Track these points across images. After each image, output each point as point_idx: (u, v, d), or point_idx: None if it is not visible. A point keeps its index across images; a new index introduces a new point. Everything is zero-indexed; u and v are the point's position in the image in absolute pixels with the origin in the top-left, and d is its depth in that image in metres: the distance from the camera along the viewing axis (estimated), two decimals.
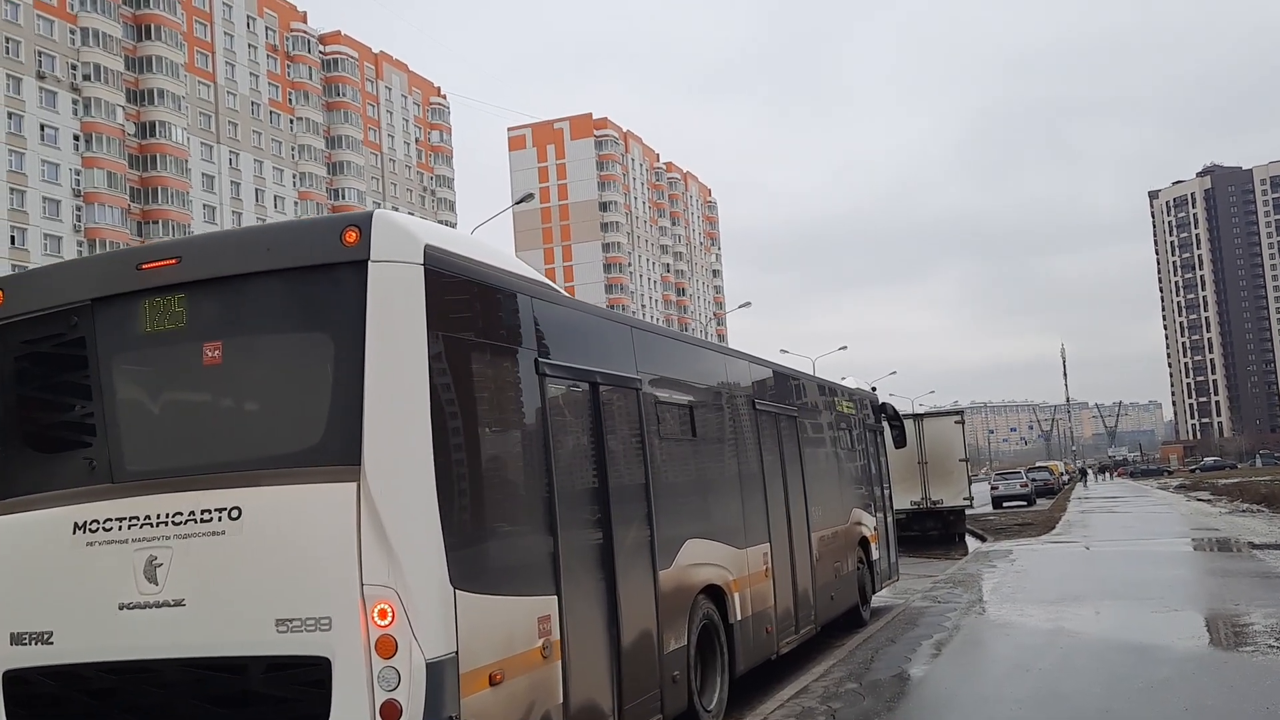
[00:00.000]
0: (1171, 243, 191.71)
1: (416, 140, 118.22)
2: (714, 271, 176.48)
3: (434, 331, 5.05)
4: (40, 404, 5.72)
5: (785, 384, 11.43)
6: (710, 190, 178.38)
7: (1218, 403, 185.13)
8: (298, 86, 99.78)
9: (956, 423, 28.68)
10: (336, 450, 4.88)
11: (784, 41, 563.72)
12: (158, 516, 5.08)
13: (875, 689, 8.78)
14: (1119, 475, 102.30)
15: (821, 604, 11.13)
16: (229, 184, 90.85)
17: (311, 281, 5.16)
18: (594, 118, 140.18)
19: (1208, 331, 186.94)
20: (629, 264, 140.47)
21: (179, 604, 4.97)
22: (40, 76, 74.99)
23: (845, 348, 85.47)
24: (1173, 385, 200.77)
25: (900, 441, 15.73)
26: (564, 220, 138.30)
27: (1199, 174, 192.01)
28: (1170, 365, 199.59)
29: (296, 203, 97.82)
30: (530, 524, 5.77)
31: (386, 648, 4.68)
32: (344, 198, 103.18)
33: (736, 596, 8.45)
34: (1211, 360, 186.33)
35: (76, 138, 76.95)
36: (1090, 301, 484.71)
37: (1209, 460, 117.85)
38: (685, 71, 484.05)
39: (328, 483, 4.87)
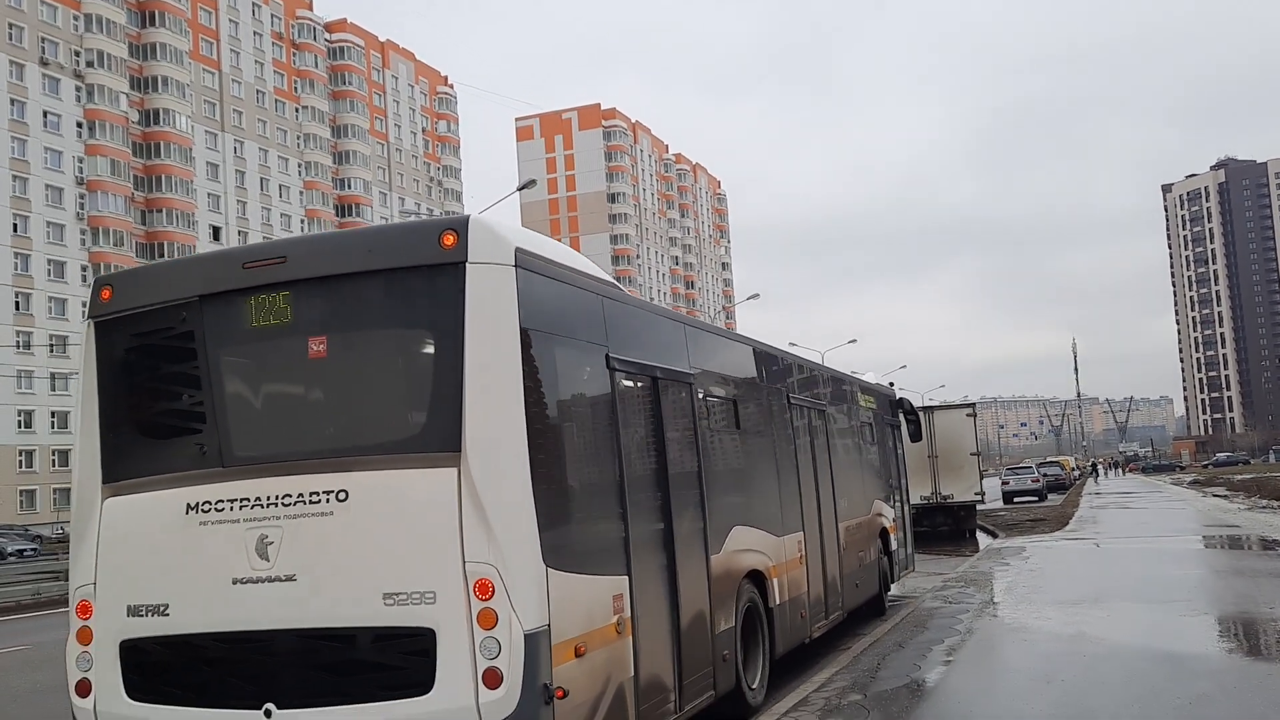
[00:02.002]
0: (1185, 236, 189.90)
1: (423, 130, 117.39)
2: (723, 264, 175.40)
3: (524, 328, 5.40)
4: (151, 392, 6.09)
5: (816, 379, 11.98)
6: (720, 182, 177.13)
7: (1230, 398, 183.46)
8: (303, 75, 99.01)
9: (968, 415, 27.82)
10: (438, 438, 5.28)
11: (795, 38, 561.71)
12: (268, 498, 5.45)
13: (881, 702, 7.97)
14: (1130, 471, 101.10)
15: (848, 591, 11.62)
16: (234, 173, 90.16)
17: (412, 281, 5.54)
18: (602, 108, 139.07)
19: (1220, 326, 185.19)
20: (637, 256, 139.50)
21: (290, 579, 5.34)
22: (43, 63, 74.36)
23: (855, 341, 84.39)
24: (1185, 380, 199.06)
25: (916, 436, 16.24)
26: (572, 212, 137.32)
27: (1213, 167, 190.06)
28: (1182, 360, 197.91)
29: (302, 192, 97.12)
30: (605, 508, 6.17)
31: (488, 620, 5.05)
32: (350, 188, 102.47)
33: (775, 582, 8.86)
34: (1224, 355, 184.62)
35: (80, 125, 76.32)
36: (1101, 297, 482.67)
37: (1221, 456, 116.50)
38: (695, 68, 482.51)
39: (430, 468, 5.25)
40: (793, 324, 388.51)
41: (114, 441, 5.98)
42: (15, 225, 70.90)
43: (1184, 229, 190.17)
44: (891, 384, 15.97)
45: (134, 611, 5.67)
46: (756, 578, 8.42)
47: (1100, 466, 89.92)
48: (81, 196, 75.88)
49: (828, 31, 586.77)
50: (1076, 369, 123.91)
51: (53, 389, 72.02)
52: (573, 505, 5.82)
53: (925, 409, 27.72)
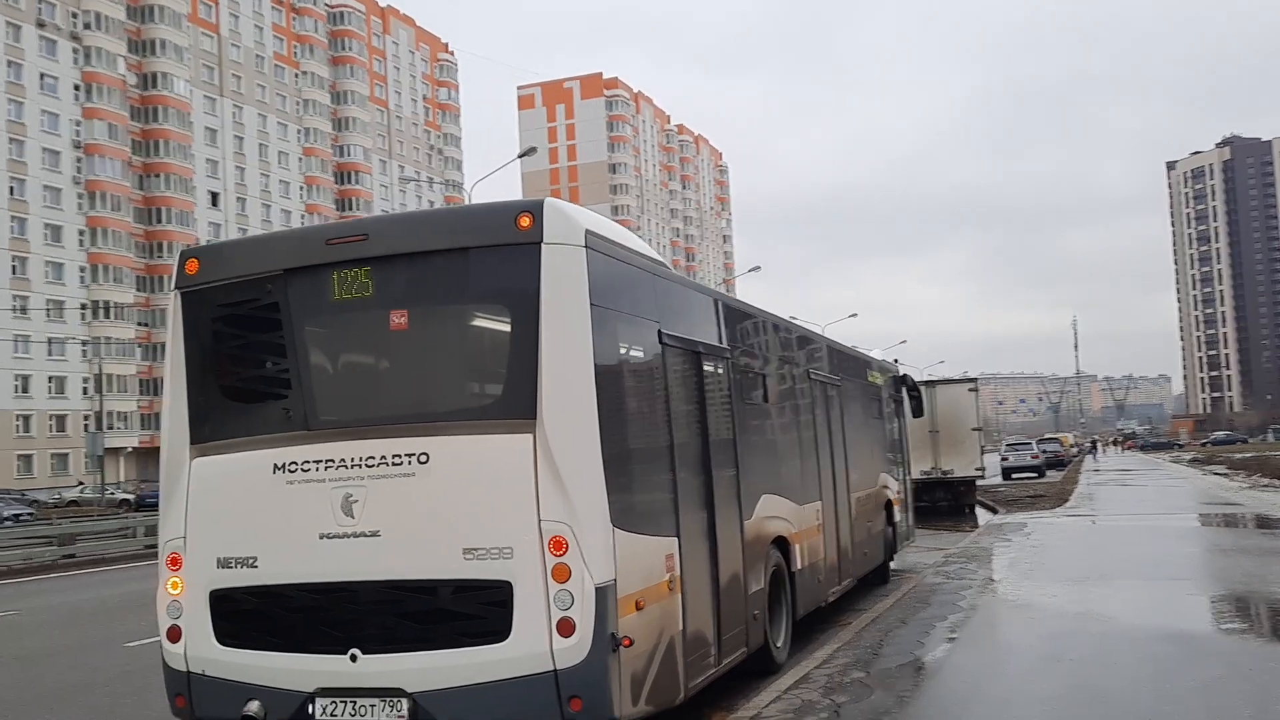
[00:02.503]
0: (1188, 214, 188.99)
1: (424, 97, 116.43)
2: (724, 236, 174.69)
3: (593, 304, 5.75)
4: (237, 360, 6.45)
5: (832, 355, 12.39)
6: (721, 154, 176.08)
7: (1229, 377, 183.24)
8: (303, 40, 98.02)
9: (970, 390, 27.56)
10: (514, 405, 5.65)
11: (795, 14, 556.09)
12: (352, 460, 5.82)
13: (885, 679, 7.74)
14: (1128, 448, 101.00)
15: (858, 559, 12.25)
16: (232, 138, 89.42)
17: (489, 259, 5.86)
18: (604, 78, 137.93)
19: (1221, 305, 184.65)
20: (638, 227, 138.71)
21: (374, 535, 5.74)
22: (40, 24, 73.51)
23: (855, 315, 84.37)
24: (1184, 358, 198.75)
25: (918, 411, 16.87)
26: (573, 181, 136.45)
27: (1218, 145, 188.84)
28: (1182, 338, 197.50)
29: (301, 159, 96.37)
30: (659, 474, 6.57)
31: (562, 574, 5.45)
32: (349, 155, 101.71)
33: (797, 548, 9.33)
34: (1224, 334, 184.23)
35: (77, 88, 75.56)
36: (1100, 275, 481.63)
37: (1220, 434, 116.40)
38: (697, 45, 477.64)
39: (507, 434, 5.63)
40: (793, 298, 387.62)
41: (201, 405, 6.32)
42: (11, 188, 70.29)
43: (1187, 206, 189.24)
44: (896, 360, 16.30)
45: (224, 563, 6.06)
46: (781, 543, 8.89)
47: (1099, 444, 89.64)
48: (79, 160, 75.20)
49: (829, 8, 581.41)
50: (1077, 346, 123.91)
51: (49, 354, 71.69)
52: (634, 470, 6.20)
53: (927, 383, 27.47)
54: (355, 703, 5.72)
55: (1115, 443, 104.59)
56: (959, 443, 26.44)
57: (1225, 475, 38.44)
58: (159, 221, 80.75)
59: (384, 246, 6.05)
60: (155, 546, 6.64)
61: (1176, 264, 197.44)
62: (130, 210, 77.99)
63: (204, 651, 6.09)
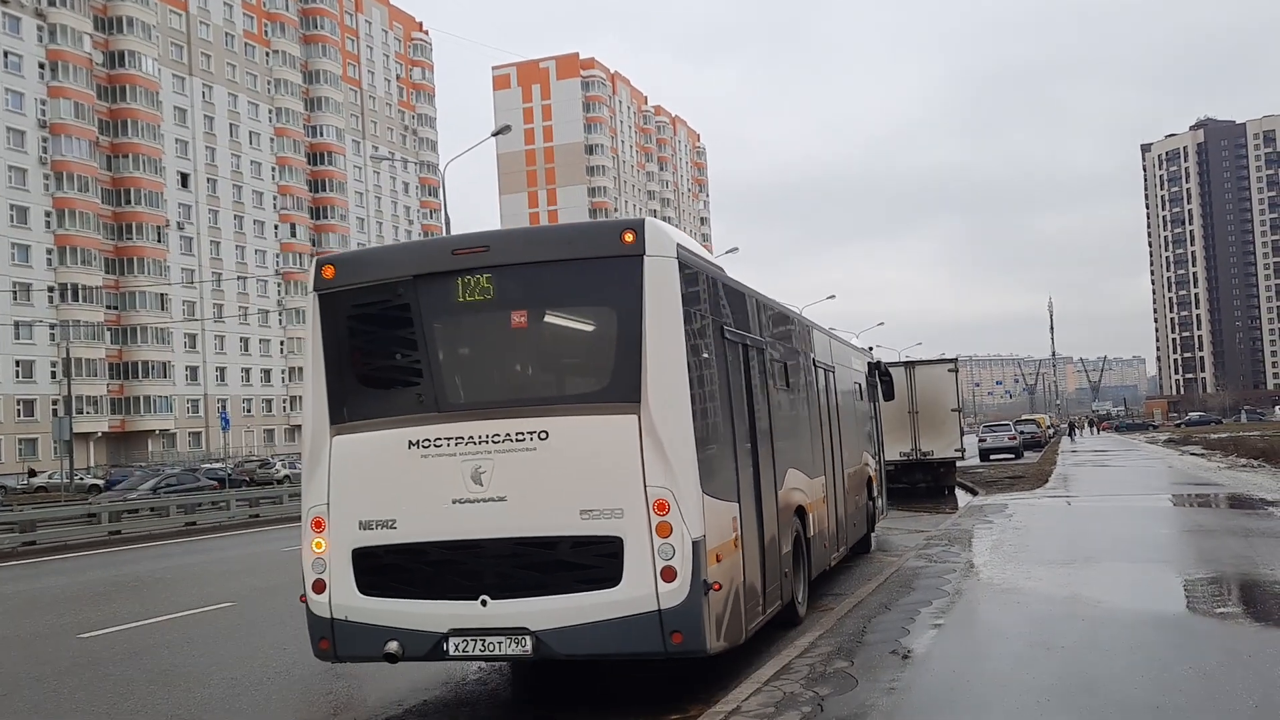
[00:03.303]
0: (1162, 197, 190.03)
1: (398, 77, 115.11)
2: (701, 219, 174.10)
3: (683, 306, 6.86)
4: (371, 351, 7.51)
5: (828, 343, 13.55)
6: (699, 135, 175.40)
7: (1202, 358, 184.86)
8: (274, 18, 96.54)
9: (950, 371, 27.29)
10: (621, 391, 6.70)
11: (773, 1, 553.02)
12: (479, 437, 6.82)
13: (869, 670, 7.38)
14: (1103, 429, 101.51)
15: (851, 529, 13.47)
16: (202, 118, 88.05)
17: (598, 268, 6.97)
18: (581, 58, 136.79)
19: (1195, 287, 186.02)
20: (615, 209, 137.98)
21: (501, 499, 6.74)
22: (3, 1, 71.94)
23: (833, 297, 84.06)
24: (1158, 340, 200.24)
25: (889, 395, 18.41)
26: (549, 163, 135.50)
27: (1192, 127, 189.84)
28: (1156, 320, 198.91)
29: (273, 139, 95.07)
30: (726, 448, 7.65)
31: (664, 530, 6.52)
32: (322, 135, 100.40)
33: (812, 516, 10.47)
34: (1198, 316, 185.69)
35: (42, 66, 74.07)
36: (1075, 258, 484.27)
37: (1194, 415, 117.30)
38: (674, 32, 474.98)
39: (616, 414, 6.68)
40: (771, 280, 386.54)
41: (339, 391, 7.26)
42: None
43: (1162, 189, 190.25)
44: (871, 349, 17.79)
45: (365, 525, 7.01)
46: (800, 512, 9.98)
47: (1076, 425, 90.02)
48: (44, 140, 73.77)
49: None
50: (1052, 328, 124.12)
51: (16, 337, 70.47)
52: (711, 445, 7.22)
53: (907, 364, 27.23)
54: (485, 640, 6.75)
55: (1091, 424, 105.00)
56: (939, 424, 26.20)
57: (1202, 455, 38.46)
58: (128, 203, 79.44)
59: (503, 257, 7.09)
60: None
61: (1151, 246, 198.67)
62: (98, 191, 76.69)
63: (347, 600, 7.03)
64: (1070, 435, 76.53)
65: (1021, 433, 52.92)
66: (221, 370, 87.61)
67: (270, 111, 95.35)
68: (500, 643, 6.71)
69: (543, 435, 6.71)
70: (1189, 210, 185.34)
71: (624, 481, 6.57)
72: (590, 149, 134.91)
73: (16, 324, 70.33)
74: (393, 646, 6.86)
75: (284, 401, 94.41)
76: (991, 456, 45.90)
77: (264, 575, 16.33)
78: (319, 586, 7.12)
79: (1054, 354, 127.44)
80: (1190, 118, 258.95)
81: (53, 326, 72.33)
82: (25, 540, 22.39)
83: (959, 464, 28.43)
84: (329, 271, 7.42)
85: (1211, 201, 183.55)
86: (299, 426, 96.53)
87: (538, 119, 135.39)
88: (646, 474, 6.55)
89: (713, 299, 7.80)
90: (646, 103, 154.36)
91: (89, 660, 9.88)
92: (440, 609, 6.82)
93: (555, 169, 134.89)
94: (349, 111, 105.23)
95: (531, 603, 6.65)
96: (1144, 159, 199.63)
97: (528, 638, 6.63)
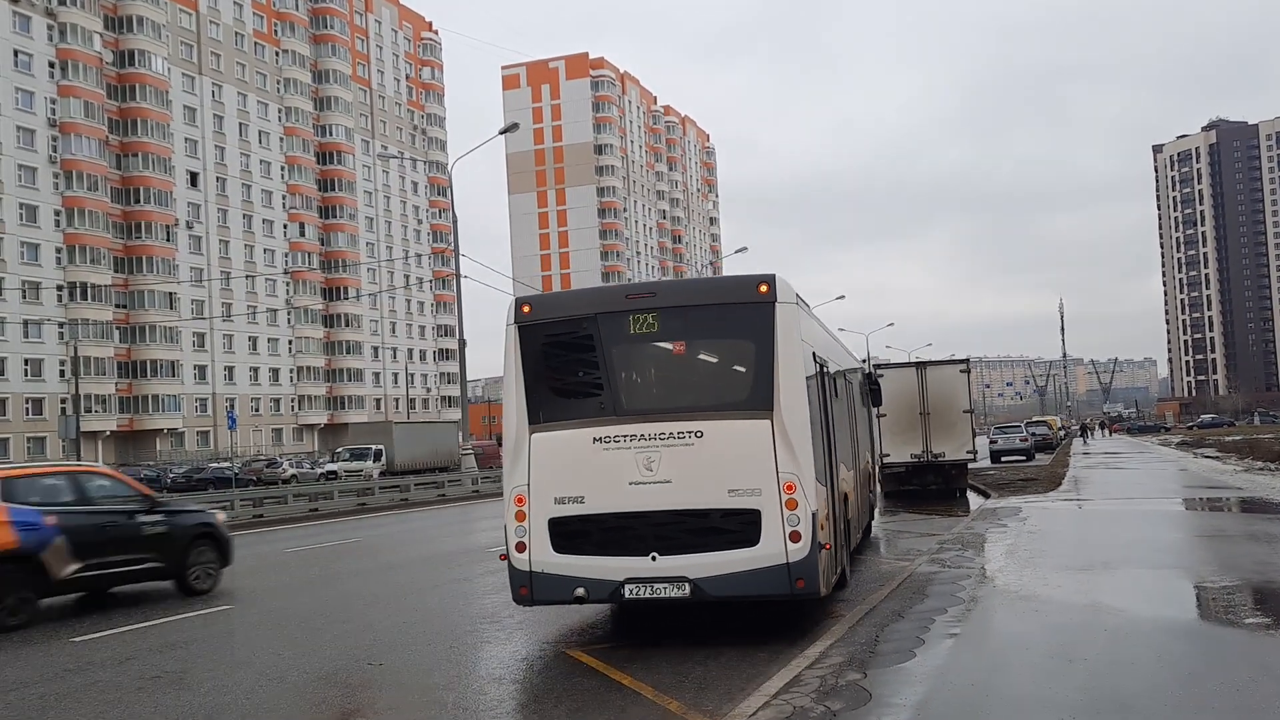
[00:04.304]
0: (1174, 198, 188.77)
1: (407, 77, 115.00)
2: (711, 219, 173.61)
3: (800, 339, 9.10)
4: (563, 369, 9.64)
5: (852, 358, 16.16)
6: (709, 136, 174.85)
7: (1214, 360, 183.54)
8: (283, 17, 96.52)
9: (962, 371, 26.82)
10: (758, 402, 8.81)
11: (782, 4, 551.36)
12: (649, 435, 8.83)
13: (883, 682, 7.06)
14: (1114, 431, 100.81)
15: (863, 515, 15.48)
16: (211, 117, 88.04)
17: (739, 311, 9.12)
18: (590, 58, 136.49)
19: (1207, 288, 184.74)
20: (624, 209, 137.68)
21: (667, 481, 8.76)
22: (14, 0, 71.95)
23: (843, 297, 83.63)
24: (1170, 342, 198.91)
25: (877, 402, 20.33)
26: (558, 163, 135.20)
27: (1204, 128, 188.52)
28: (1168, 321, 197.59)
29: (282, 138, 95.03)
30: (820, 445, 9.64)
31: (792, 505, 8.60)
32: (331, 135, 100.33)
33: (849, 502, 12.37)
34: (1210, 317, 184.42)
35: (52, 65, 74.07)
36: (1086, 259, 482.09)
37: (1206, 418, 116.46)
38: (685, 36, 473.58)
39: (754, 419, 8.77)
40: None
41: (536, 400, 9.26)
42: None
43: (1174, 190, 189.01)
44: (867, 360, 18.49)
45: (559, 501, 9.00)
46: (844, 498, 11.71)
47: (1089, 427, 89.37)
48: (54, 139, 73.75)
49: (814, 2, 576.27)
50: (1063, 329, 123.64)
51: (25, 336, 70.52)
52: (817, 442, 9.30)
53: (918, 364, 26.84)
54: (653, 586, 8.74)
55: (1101, 425, 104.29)
56: (950, 425, 25.76)
57: (1217, 459, 37.97)
58: (137, 202, 79.41)
59: (666, 300, 9.27)
60: None
61: (1162, 247, 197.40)
62: (107, 190, 76.66)
63: (543, 558, 9.00)
64: (1083, 437, 75.91)
65: (1033, 434, 52.38)
66: (230, 369, 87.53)
67: (280, 111, 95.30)
68: (665, 588, 8.72)
69: (698, 434, 8.79)
70: (1201, 211, 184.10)
71: (761, 468, 8.63)
72: (599, 149, 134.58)
73: (25, 323, 70.35)
74: (580, 592, 8.90)
75: (292, 401, 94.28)
76: (1003, 458, 45.41)
77: (263, 577, 16.06)
78: (520, 547, 9.08)
79: (1065, 355, 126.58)
80: (1200, 120, 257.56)
81: (61, 325, 72.31)
82: None
83: (970, 466, 28.03)
84: (526, 308, 9.43)
85: (1224, 202, 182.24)
86: (307, 426, 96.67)
87: (547, 119, 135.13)
88: (779, 463, 8.63)
89: (809, 332, 9.98)
90: (656, 103, 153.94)
91: (79, 665, 9.60)
92: (618, 563, 8.83)
93: (565, 169, 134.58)
94: (358, 111, 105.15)
95: (690, 558, 8.70)
96: (1155, 160, 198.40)
97: (686, 584, 8.68)
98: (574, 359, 9.51)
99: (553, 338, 9.40)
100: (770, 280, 8.93)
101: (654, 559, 8.70)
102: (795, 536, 8.50)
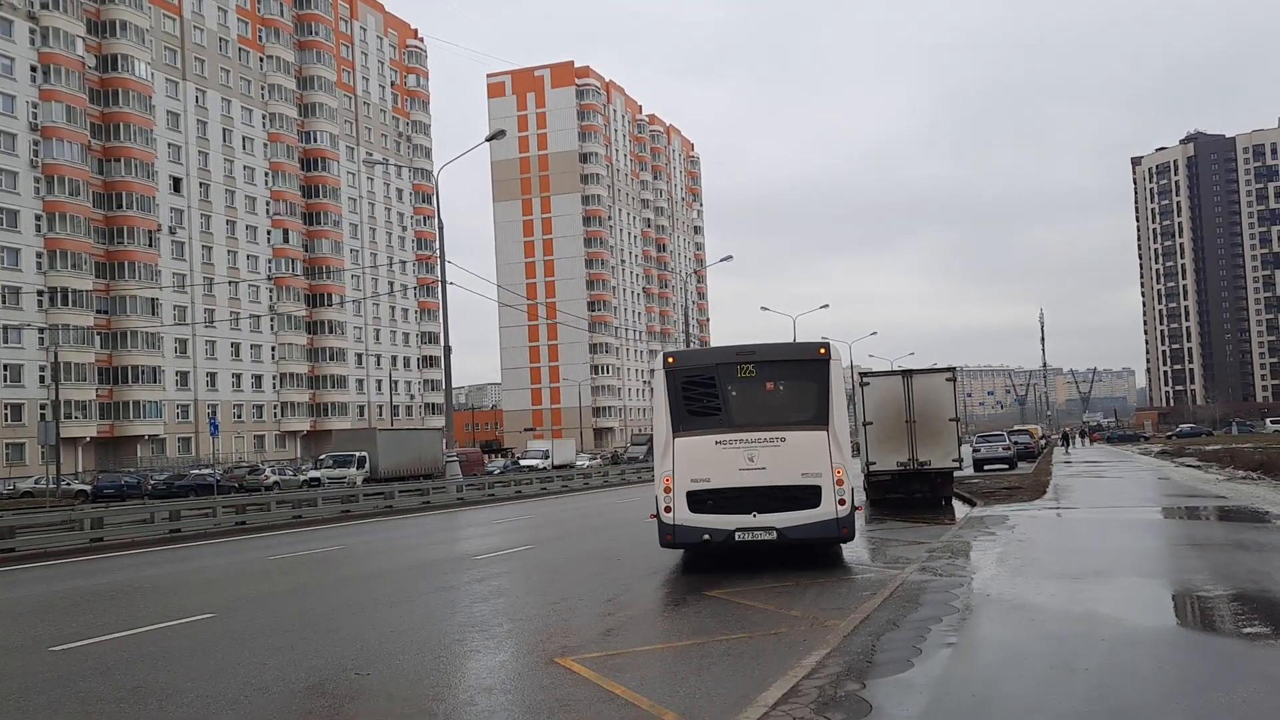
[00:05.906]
0: (1153, 210, 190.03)
1: (392, 84, 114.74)
2: (695, 228, 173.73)
3: (842, 379, 14.01)
4: (695, 398, 14.17)
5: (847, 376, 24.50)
6: (693, 145, 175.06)
7: (1192, 370, 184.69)
8: (268, 23, 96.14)
9: (948, 380, 26.70)
10: (819, 420, 13.83)
11: (765, 21, 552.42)
12: (751, 440, 13.72)
13: (883, 692, 6.95)
14: (1094, 440, 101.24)
15: (860, 492, 20.48)
16: (195, 122, 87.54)
17: (807, 365, 14.25)
18: (575, 66, 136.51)
19: (1185, 299, 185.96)
20: (609, 217, 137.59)
21: (763, 469, 13.63)
22: None
23: (827, 306, 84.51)
24: (1148, 352, 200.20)
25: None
26: (543, 171, 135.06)
27: (1183, 141, 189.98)
28: (1146, 332, 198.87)
29: (266, 144, 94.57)
30: (849, 445, 14.67)
31: (840, 482, 13.60)
32: (316, 141, 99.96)
33: (848, 486, 15.67)
34: (1188, 328, 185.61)
35: (34, 69, 73.50)
36: (1065, 270, 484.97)
37: (1185, 427, 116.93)
38: (671, 51, 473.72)
39: (817, 431, 13.77)
40: (765, 291, 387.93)
41: (677, 417, 14.03)
42: None
43: (1152, 202, 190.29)
44: (847, 369, 22.59)
45: (694, 480, 13.77)
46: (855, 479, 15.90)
47: (1070, 436, 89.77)
48: (36, 143, 73.16)
49: (794, 15, 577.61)
50: (1043, 340, 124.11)
51: (5, 341, 69.82)
52: (851, 444, 14.89)
53: (904, 372, 26.75)
54: (753, 533, 13.57)
55: (1083, 434, 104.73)
56: (936, 433, 25.67)
57: (1199, 467, 38.13)
58: (119, 207, 78.82)
59: (761, 357, 14.28)
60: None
61: (1141, 258, 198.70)
62: (89, 195, 76.06)
63: (682, 517, 13.76)
64: (1064, 446, 76.20)
65: (1015, 443, 52.49)
66: (212, 375, 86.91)
67: (264, 117, 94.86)
68: (761, 534, 13.55)
69: (782, 439, 13.67)
70: (1179, 223, 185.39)
71: (821, 460, 13.57)
72: (585, 157, 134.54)
73: (5, 328, 69.65)
74: (706, 537, 13.69)
75: (275, 407, 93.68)
76: (985, 467, 45.48)
77: (248, 585, 15.84)
78: (668, 510, 13.81)
79: (1045, 365, 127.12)
80: (1177, 134, 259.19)
81: (42, 331, 71.65)
82: (3, 548, 21.84)
83: (956, 474, 28.00)
84: (671, 360, 14.35)
85: (1201, 214, 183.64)
86: (290, 433, 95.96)
87: (532, 127, 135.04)
88: (832, 458, 13.59)
89: (841, 370, 14.37)
90: (641, 112, 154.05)
91: (59, 676, 9.39)
92: (731, 519, 13.64)
93: (550, 177, 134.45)
94: (343, 117, 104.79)
95: (776, 515, 13.55)
96: (1134, 172, 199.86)
97: (774, 531, 13.55)
98: (703, 391, 14.14)
99: (689, 378, 14.23)
100: (827, 345, 14.21)
101: (754, 516, 13.53)
102: (841, 502, 13.45)
